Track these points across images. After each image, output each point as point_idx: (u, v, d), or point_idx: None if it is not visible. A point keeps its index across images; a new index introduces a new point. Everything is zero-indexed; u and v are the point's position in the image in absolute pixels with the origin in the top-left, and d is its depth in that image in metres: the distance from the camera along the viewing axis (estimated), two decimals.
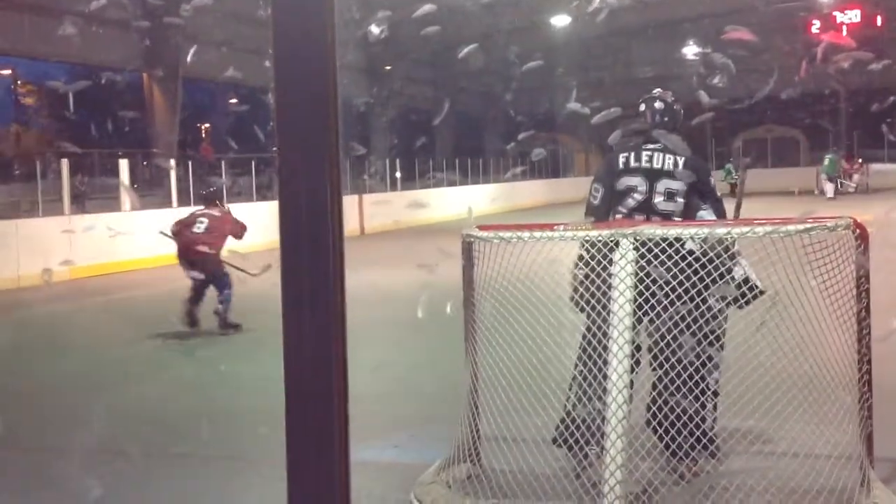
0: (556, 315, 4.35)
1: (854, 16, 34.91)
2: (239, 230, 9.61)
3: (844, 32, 33.50)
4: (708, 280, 4.06)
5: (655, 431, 4.17)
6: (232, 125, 40.98)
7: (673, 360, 4.11)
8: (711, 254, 4.12)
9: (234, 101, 41.50)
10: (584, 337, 4.35)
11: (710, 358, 4.34)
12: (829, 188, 31.80)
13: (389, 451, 5.27)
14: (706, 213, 4.61)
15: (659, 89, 4.97)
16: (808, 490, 3.92)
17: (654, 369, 4.20)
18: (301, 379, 1.23)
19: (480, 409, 4.48)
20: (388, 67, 33.81)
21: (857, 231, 4.08)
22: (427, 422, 5.69)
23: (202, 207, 9.85)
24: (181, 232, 9.45)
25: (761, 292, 4.42)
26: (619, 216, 4.66)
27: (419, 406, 6.16)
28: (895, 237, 15.06)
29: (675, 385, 4.14)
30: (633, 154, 4.69)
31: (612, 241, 4.10)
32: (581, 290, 4.32)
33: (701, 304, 4.09)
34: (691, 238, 4.13)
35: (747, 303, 4.47)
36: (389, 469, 5.01)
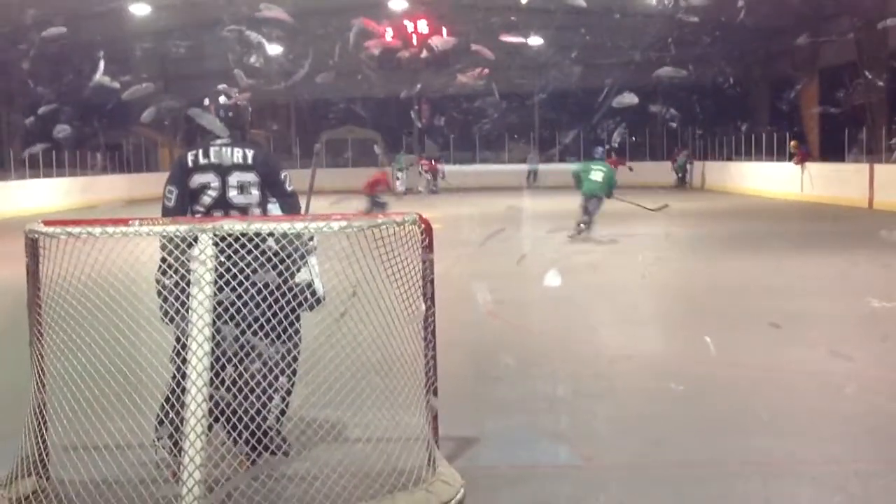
0: (133, 316, 4.14)
1: (422, 26, 37.62)
2: None
3: (415, 41, 36.07)
4: (280, 279, 4.14)
5: (222, 424, 4.15)
6: None
7: (241, 354, 4.12)
8: (288, 249, 4.19)
9: None
10: (176, 346, 4.21)
11: (282, 356, 4.41)
12: (397, 184, 34.78)
13: None
14: (274, 208, 4.67)
15: (224, 85, 4.96)
16: (380, 472, 4.13)
17: (214, 365, 4.07)
18: None
19: (48, 418, 4.16)
20: None
21: (423, 226, 4.36)
22: None
23: None
24: None
25: (319, 300, 4.59)
26: (197, 215, 4.59)
27: None
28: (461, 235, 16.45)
29: (240, 382, 4.16)
30: (201, 151, 4.66)
31: (191, 238, 4.00)
32: (171, 298, 4.15)
33: (273, 303, 4.14)
34: (271, 234, 4.15)
35: (311, 307, 4.61)
36: None
